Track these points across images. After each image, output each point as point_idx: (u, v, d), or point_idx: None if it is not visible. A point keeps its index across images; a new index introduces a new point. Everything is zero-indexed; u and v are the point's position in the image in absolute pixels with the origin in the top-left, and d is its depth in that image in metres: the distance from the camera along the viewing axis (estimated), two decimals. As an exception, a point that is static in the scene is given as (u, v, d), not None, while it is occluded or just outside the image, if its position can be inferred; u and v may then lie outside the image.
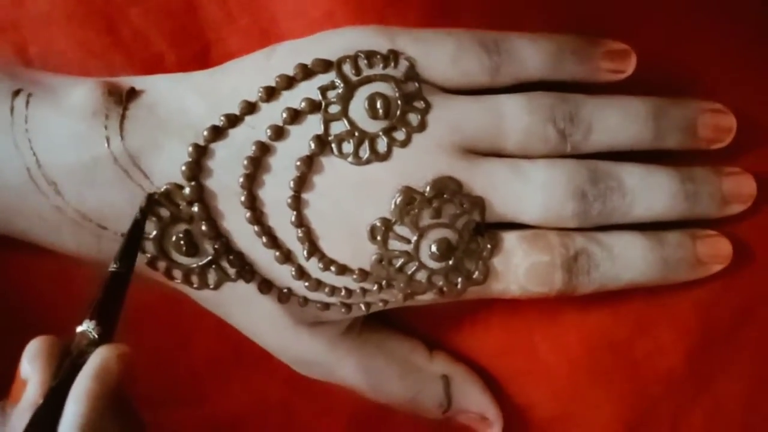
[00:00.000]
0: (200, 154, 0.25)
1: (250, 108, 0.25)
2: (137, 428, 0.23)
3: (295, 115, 0.25)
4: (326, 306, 0.26)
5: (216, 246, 0.25)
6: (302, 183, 0.25)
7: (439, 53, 0.25)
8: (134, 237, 0.25)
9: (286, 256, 0.26)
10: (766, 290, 0.29)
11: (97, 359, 0.21)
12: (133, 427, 0.22)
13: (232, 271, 0.26)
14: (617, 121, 0.26)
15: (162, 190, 0.25)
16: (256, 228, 0.25)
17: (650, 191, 0.26)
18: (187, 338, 0.30)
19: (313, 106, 0.25)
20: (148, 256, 0.26)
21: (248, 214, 0.25)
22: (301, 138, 0.25)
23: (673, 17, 0.29)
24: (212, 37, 0.28)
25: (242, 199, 0.25)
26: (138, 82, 0.26)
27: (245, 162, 0.25)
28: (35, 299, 0.29)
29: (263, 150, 0.25)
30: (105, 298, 0.23)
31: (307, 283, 0.26)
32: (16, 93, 0.26)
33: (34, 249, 0.27)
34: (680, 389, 0.29)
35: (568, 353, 0.29)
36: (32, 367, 0.21)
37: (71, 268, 0.27)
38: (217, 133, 0.25)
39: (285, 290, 0.26)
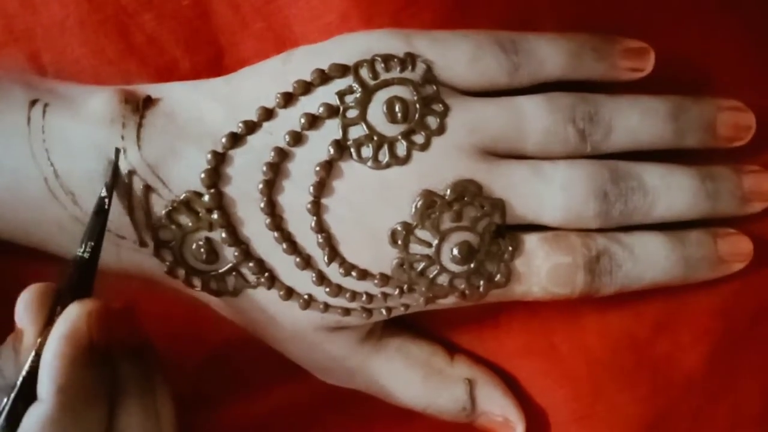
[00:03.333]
0: (219, 161, 0.25)
1: (268, 114, 0.25)
2: (142, 372, 0.24)
3: (314, 121, 0.25)
4: (347, 311, 0.26)
5: (236, 253, 0.25)
6: (322, 188, 0.25)
7: (456, 55, 0.25)
8: (100, 213, 0.25)
9: (307, 262, 0.25)
10: (786, 288, 0.29)
11: (64, 322, 0.22)
12: (130, 374, 0.24)
13: (252, 278, 0.26)
14: (637, 121, 0.26)
15: (181, 198, 0.25)
16: (275, 234, 0.25)
17: (671, 191, 0.26)
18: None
19: (332, 111, 0.25)
20: (167, 264, 0.26)
21: (268, 221, 0.25)
22: (320, 143, 0.25)
23: (689, 15, 0.29)
24: (226, 42, 0.28)
25: (262, 205, 0.25)
26: (154, 89, 0.26)
27: (264, 168, 0.25)
28: None
29: (282, 156, 0.25)
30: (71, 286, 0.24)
31: (327, 289, 0.26)
32: (33, 103, 0.26)
33: (39, 256, 0.27)
34: (701, 389, 0.29)
35: (589, 354, 0.28)
36: (26, 316, 0.23)
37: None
38: (236, 139, 0.25)
39: (306, 296, 0.26)
